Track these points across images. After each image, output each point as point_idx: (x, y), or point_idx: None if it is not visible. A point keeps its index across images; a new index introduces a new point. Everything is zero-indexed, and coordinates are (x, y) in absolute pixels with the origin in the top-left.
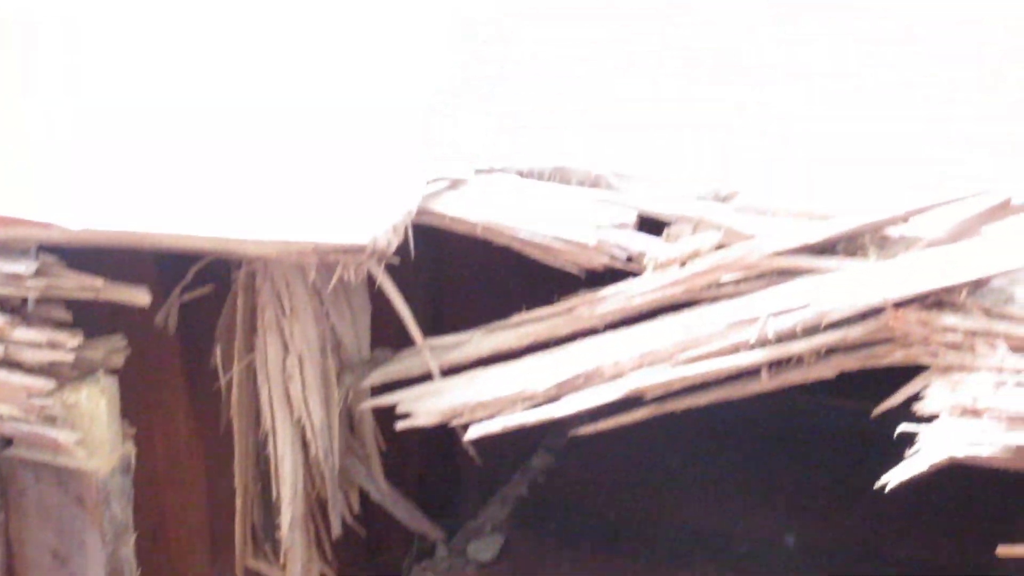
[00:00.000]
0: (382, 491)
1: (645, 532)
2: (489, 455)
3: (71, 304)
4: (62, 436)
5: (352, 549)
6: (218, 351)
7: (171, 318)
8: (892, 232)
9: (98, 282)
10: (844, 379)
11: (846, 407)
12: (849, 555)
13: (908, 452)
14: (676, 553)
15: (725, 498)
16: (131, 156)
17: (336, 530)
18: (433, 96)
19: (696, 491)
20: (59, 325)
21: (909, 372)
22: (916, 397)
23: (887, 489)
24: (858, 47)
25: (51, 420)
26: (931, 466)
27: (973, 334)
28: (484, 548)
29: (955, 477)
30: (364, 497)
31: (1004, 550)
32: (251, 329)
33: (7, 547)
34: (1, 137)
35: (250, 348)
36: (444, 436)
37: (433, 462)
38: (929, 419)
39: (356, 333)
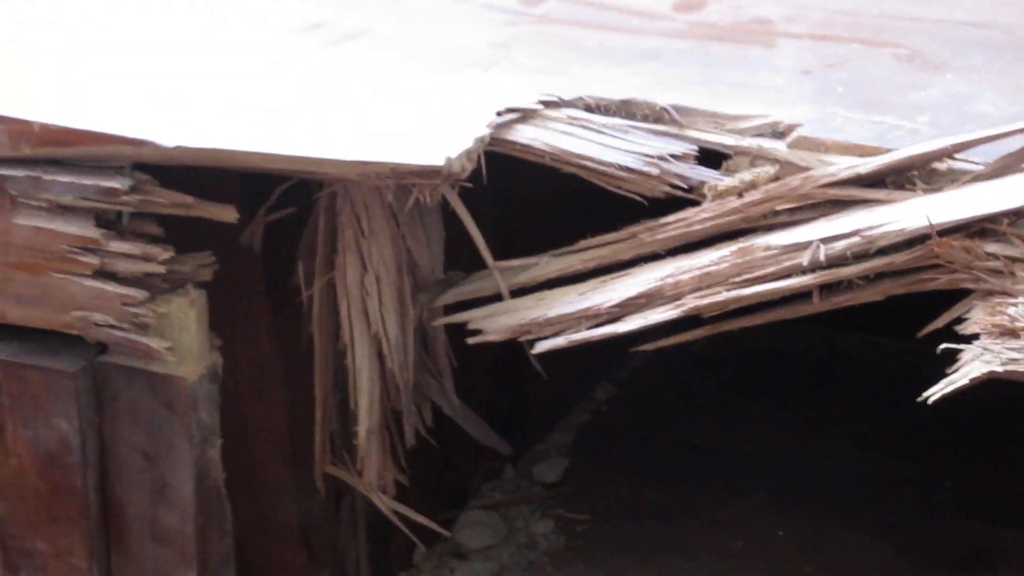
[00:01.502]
0: (453, 406)
1: (703, 460)
2: (554, 384)
3: (161, 220)
4: (154, 343)
5: (424, 462)
6: (300, 269)
7: (256, 237)
8: (939, 166)
9: (188, 199)
10: (892, 320)
11: (893, 346)
12: (901, 482)
13: (949, 370)
14: (732, 480)
15: (782, 430)
16: (211, 80)
17: (410, 440)
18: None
19: (753, 425)
20: (151, 239)
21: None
22: (959, 320)
23: (930, 402)
24: None
25: (143, 328)
26: (971, 380)
27: (1013, 261)
28: (549, 470)
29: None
30: (436, 413)
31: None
32: (331, 249)
33: (100, 447)
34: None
35: (330, 267)
36: (512, 362)
37: (501, 387)
38: (970, 339)
39: (430, 254)
